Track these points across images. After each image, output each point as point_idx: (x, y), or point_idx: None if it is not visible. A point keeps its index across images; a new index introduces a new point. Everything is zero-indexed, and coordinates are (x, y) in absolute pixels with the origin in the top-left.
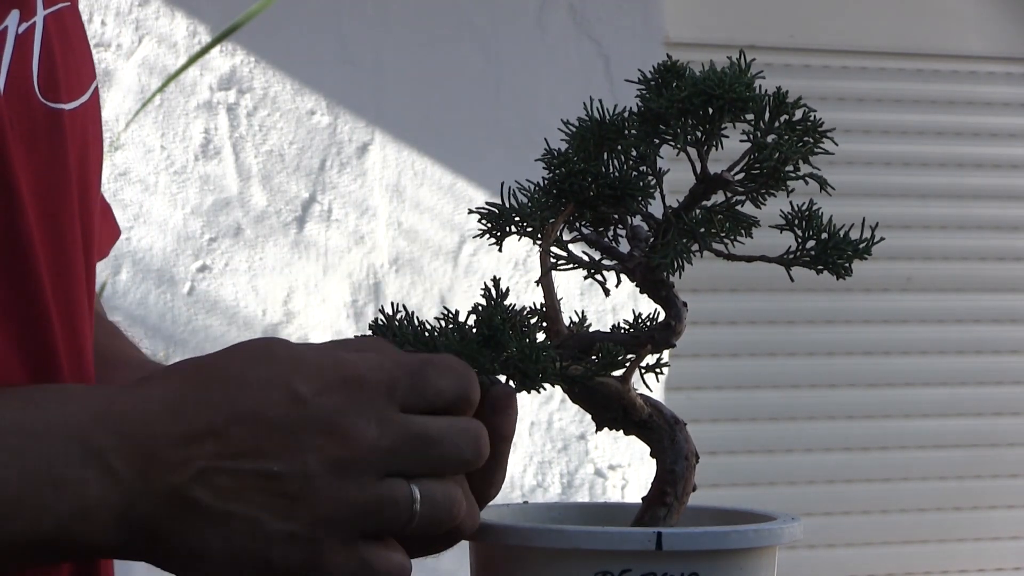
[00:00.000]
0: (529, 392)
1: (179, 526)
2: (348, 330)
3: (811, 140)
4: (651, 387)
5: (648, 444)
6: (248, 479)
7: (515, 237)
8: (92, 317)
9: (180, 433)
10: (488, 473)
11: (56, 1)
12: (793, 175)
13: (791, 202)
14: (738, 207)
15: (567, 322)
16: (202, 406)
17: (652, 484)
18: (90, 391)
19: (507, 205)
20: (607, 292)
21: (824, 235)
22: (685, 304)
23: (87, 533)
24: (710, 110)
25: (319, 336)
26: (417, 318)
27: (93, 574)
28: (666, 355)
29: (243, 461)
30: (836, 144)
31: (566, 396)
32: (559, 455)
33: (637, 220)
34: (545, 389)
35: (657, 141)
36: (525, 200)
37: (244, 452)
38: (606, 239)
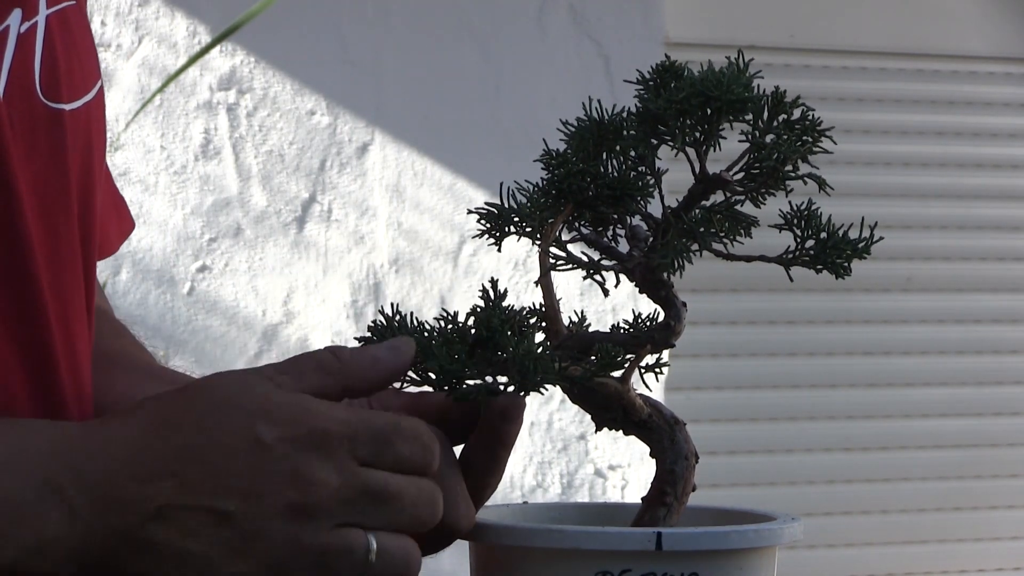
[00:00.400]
0: (529, 393)
1: (134, 565)
2: (348, 330)
3: (810, 139)
4: (651, 387)
5: (648, 444)
6: (203, 517)
7: (514, 237)
8: (91, 318)
9: (139, 474)
10: (485, 476)
11: (60, 0)
12: (792, 175)
13: (790, 202)
14: (737, 207)
15: (567, 322)
16: (163, 450)
17: (652, 484)
18: (54, 427)
19: (506, 205)
20: (606, 292)
21: (823, 235)
22: (684, 304)
23: (43, 567)
24: (708, 111)
25: (319, 337)
26: (416, 319)
27: None
28: (666, 355)
29: (200, 498)
30: (835, 143)
31: (566, 396)
32: (559, 455)
33: (636, 220)
34: (546, 391)
35: (656, 141)
36: (524, 200)
37: (201, 490)
38: (605, 239)
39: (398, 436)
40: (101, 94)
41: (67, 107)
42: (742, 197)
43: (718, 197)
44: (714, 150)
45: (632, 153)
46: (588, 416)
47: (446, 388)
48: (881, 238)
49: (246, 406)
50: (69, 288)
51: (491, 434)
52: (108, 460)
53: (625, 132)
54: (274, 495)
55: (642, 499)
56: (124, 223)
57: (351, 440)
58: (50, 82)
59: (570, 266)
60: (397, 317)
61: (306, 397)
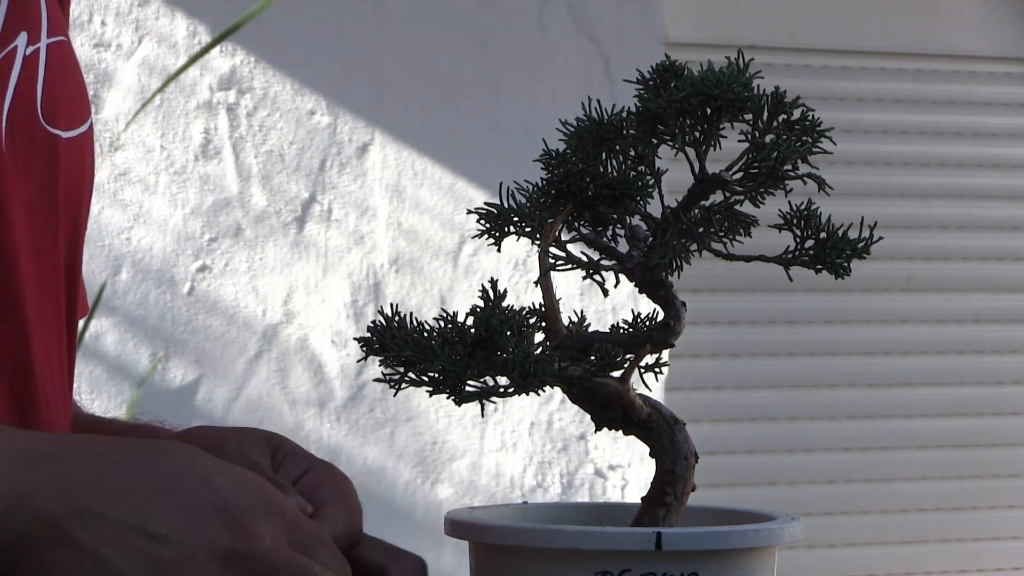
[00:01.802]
0: (528, 394)
1: (48, 556)
2: (348, 330)
3: (809, 140)
4: (650, 387)
5: (648, 444)
6: (132, 534)
7: (514, 237)
8: (72, 345)
9: (81, 467)
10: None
11: (57, 32)
12: (791, 175)
13: (790, 202)
14: (736, 207)
15: (566, 322)
16: (113, 461)
17: (652, 484)
18: (16, 434)
19: (506, 205)
20: (606, 292)
21: (823, 234)
22: (684, 304)
23: None
24: (708, 110)
25: (319, 337)
26: (416, 319)
27: None
28: (665, 355)
29: (134, 517)
30: (835, 144)
31: (566, 396)
32: (559, 455)
33: (636, 220)
34: (544, 391)
35: (655, 141)
36: (524, 200)
37: (138, 509)
38: (605, 239)
39: (325, 545)
40: (92, 130)
41: (63, 134)
42: (741, 197)
43: (717, 197)
44: (714, 150)
45: (632, 153)
46: (588, 416)
47: (447, 390)
48: (881, 238)
49: (210, 459)
50: (49, 311)
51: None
52: (52, 442)
53: (625, 132)
54: (210, 533)
55: (642, 499)
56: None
57: (292, 524)
58: (50, 107)
59: (570, 266)
60: (397, 317)
61: (263, 477)
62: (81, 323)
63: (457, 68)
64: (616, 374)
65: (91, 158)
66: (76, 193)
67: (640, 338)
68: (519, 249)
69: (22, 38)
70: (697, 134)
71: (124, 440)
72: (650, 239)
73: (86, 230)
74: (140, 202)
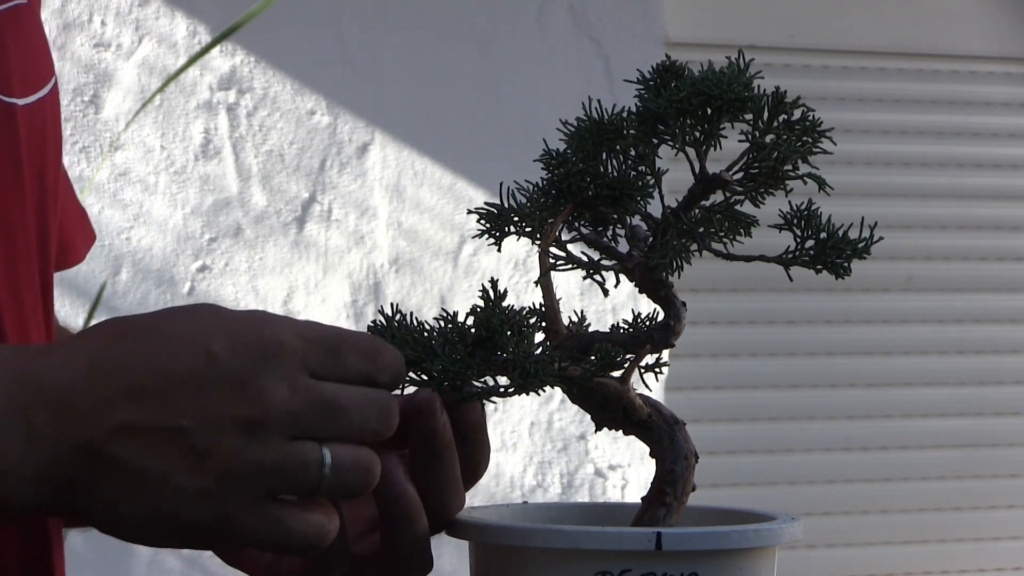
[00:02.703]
0: (528, 393)
1: (97, 482)
2: None
3: (810, 140)
4: (650, 387)
5: (647, 444)
6: (160, 435)
7: (514, 237)
8: (49, 314)
9: (98, 390)
10: (467, 459)
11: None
12: (792, 175)
13: (790, 202)
14: (737, 207)
15: (566, 322)
16: (120, 363)
17: (652, 484)
18: (13, 351)
19: (506, 205)
20: (606, 292)
21: (823, 234)
22: (684, 304)
23: (8, 490)
24: (708, 110)
25: None
26: (416, 319)
27: (45, 570)
28: (665, 355)
29: (156, 417)
30: (835, 144)
31: (566, 396)
32: (559, 455)
33: (636, 220)
34: (545, 391)
35: (656, 141)
36: (524, 200)
37: (157, 408)
38: (605, 239)
39: (346, 346)
40: (55, 91)
41: (20, 102)
42: (742, 197)
43: (718, 197)
44: (714, 150)
45: (632, 153)
46: (588, 416)
47: (447, 390)
48: (881, 238)
49: (202, 318)
50: (24, 283)
51: (416, 441)
52: (67, 378)
53: (625, 132)
54: (224, 408)
55: (642, 499)
56: (88, 232)
57: (302, 352)
58: (3, 77)
59: (570, 266)
60: (397, 317)
61: (262, 311)
62: (81, 321)
63: (457, 68)
64: (616, 374)
65: (55, 120)
66: (40, 158)
67: (640, 338)
68: (519, 249)
69: None
70: (697, 134)
71: (119, 328)
72: (650, 239)
73: (59, 192)
74: (140, 202)
